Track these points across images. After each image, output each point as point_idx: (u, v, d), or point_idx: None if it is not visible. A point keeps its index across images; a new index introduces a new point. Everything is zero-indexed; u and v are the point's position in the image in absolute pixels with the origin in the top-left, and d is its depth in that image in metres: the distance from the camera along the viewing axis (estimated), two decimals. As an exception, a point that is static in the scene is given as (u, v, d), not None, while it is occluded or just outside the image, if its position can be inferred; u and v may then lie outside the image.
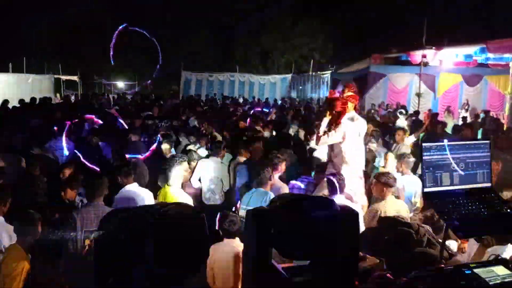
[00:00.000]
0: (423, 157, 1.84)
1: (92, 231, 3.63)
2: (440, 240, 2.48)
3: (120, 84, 31.59)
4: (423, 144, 1.86)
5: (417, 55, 16.54)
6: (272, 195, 4.02)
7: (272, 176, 4.25)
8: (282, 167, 4.80)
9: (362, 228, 3.84)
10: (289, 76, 24.49)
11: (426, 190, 1.86)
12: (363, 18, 25.20)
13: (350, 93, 5.05)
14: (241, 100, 19.61)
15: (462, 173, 1.89)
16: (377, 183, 4.05)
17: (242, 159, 5.56)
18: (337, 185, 3.93)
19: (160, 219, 1.22)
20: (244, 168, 5.22)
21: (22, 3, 24.75)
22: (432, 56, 16.42)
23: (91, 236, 3.63)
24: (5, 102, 11.80)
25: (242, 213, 3.96)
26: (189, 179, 5.26)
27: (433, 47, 15.88)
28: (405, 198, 4.74)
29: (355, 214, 1.48)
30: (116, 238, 1.20)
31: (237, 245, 3.52)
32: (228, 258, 3.48)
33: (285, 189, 4.45)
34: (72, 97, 20.22)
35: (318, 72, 22.59)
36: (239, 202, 4.45)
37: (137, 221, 1.22)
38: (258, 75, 25.68)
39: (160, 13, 27.69)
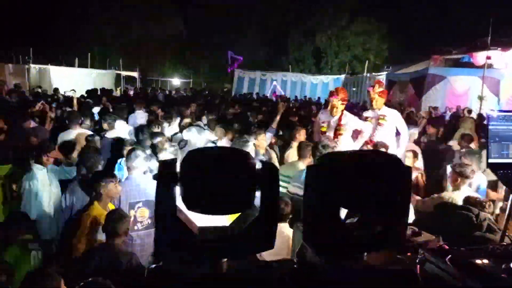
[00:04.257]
0: (489, 127, 1.78)
1: (136, 202, 3.86)
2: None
3: (176, 81, 32.68)
4: (489, 114, 1.80)
5: (480, 57, 15.76)
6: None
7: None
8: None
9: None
10: (342, 76, 24.09)
11: (491, 160, 1.80)
12: (422, 16, 24.27)
13: (380, 89, 5.55)
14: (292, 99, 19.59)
15: (531, 146, 1.81)
16: (452, 173, 3.96)
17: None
18: None
19: None
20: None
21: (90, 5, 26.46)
22: (498, 57, 15.58)
23: (135, 207, 3.87)
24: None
25: (292, 189, 4.02)
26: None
27: (499, 48, 15.06)
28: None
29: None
30: None
31: (288, 231, 3.35)
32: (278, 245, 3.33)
33: None
34: (131, 92, 21.23)
35: (373, 73, 22.07)
36: None
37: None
38: (311, 74, 25.50)
39: (216, 12, 28.26)
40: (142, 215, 3.88)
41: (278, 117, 6.39)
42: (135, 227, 3.85)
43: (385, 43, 26.41)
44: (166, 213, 1.25)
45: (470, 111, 11.81)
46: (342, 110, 5.48)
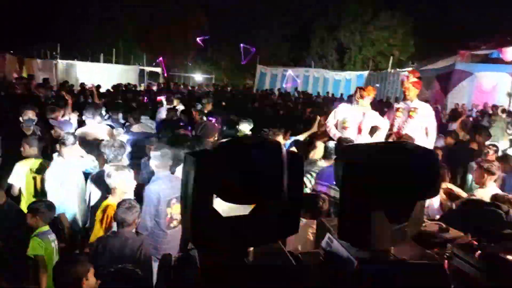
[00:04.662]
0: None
1: (170, 199, 3.86)
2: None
3: (198, 77, 32.87)
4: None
5: (510, 52, 15.28)
6: None
7: None
8: None
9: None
10: (365, 73, 23.68)
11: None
12: (448, 11, 23.63)
13: (414, 79, 5.41)
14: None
15: None
16: (478, 169, 3.77)
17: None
18: None
19: None
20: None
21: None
22: (529, 53, 15.08)
23: (170, 204, 3.87)
24: (98, 86, 12.91)
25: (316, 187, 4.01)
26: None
27: (530, 43, 14.56)
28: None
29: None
30: None
31: None
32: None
33: None
34: (154, 87, 21.51)
35: (397, 70, 21.63)
36: None
37: None
38: (333, 70, 25.18)
39: (238, 7, 28.28)
40: (177, 212, 3.79)
41: (310, 132, 6.14)
42: (171, 225, 3.82)
43: (411, 38, 25.81)
44: (202, 204, 1.25)
45: (504, 110, 11.46)
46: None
